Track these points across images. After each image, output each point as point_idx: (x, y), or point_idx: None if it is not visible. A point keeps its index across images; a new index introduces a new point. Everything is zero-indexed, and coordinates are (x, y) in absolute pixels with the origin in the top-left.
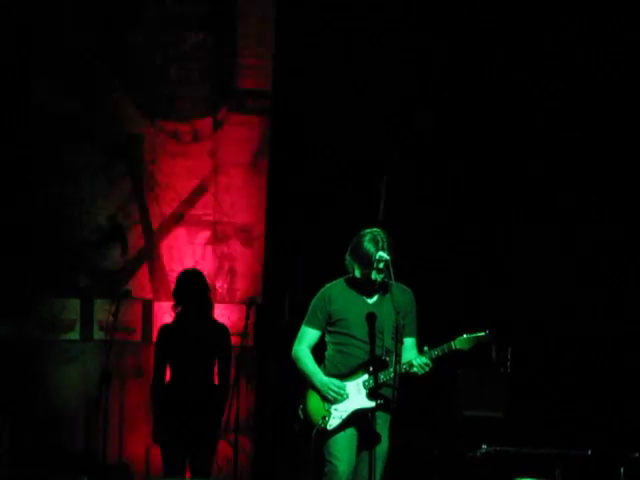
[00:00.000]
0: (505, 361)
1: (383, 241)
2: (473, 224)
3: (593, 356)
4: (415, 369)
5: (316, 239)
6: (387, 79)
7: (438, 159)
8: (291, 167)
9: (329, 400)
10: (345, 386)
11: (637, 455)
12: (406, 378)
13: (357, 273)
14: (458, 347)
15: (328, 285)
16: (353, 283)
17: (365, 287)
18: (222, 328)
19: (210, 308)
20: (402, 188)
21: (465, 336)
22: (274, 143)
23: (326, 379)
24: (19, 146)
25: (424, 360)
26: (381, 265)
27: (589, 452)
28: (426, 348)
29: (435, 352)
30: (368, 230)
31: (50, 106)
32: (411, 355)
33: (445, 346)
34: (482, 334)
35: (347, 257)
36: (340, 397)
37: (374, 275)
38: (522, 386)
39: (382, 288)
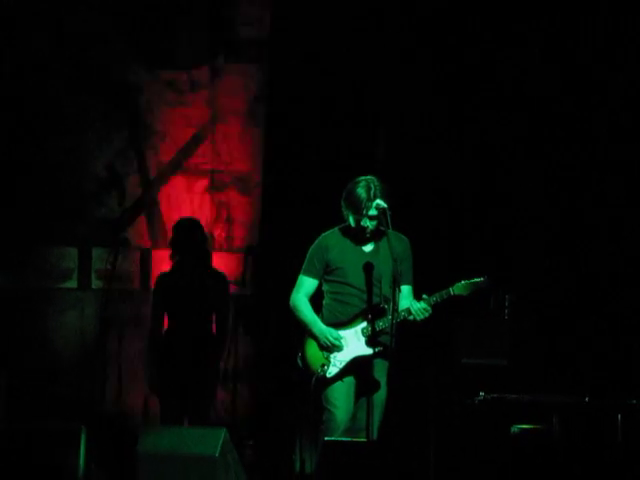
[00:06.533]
0: (503, 308)
1: (376, 188)
2: (472, 168)
3: (592, 304)
4: (414, 314)
5: (313, 188)
6: (385, 27)
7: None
8: (288, 116)
9: (326, 349)
10: (341, 336)
11: (634, 402)
12: (405, 325)
13: (351, 220)
14: (457, 293)
15: (325, 234)
16: (348, 231)
17: (359, 235)
18: (220, 275)
19: (208, 257)
20: (400, 136)
21: (463, 282)
22: (271, 92)
23: (324, 328)
24: (17, 96)
25: (423, 305)
26: (372, 212)
27: (587, 399)
28: (425, 296)
29: (434, 298)
30: (362, 177)
31: (48, 56)
32: (408, 303)
33: (444, 292)
34: (480, 280)
35: (342, 204)
36: (337, 347)
37: (364, 222)
38: (520, 333)
39: (377, 236)
